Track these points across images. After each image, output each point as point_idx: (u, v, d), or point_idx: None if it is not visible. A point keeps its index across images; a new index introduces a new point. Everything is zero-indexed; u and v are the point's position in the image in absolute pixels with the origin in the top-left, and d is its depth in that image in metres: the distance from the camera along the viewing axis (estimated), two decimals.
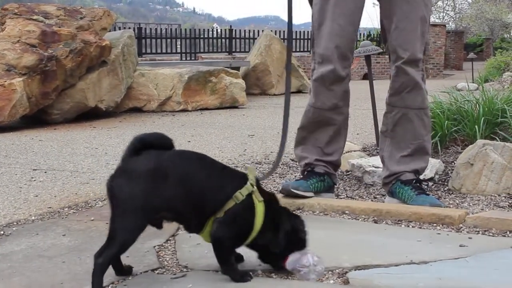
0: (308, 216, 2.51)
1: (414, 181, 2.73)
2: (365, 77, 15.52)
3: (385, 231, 2.33)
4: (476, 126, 3.70)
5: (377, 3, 2.79)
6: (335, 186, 2.98)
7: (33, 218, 2.60)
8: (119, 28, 14.93)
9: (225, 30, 18.36)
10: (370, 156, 3.75)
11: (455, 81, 12.21)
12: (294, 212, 2.11)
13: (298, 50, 17.55)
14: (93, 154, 4.38)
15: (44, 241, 2.24)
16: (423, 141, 2.78)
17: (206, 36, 17.42)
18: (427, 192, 2.75)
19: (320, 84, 2.78)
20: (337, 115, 2.84)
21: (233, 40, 16.83)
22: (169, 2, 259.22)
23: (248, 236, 1.77)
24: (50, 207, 2.79)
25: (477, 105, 3.99)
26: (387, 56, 2.86)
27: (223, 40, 17.66)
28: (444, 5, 30.69)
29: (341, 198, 2.90)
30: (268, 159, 4.03)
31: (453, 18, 31.20)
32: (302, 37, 18.09)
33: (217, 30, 21.25)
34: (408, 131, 2.76)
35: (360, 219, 2.49)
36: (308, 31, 17.48)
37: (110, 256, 1.67)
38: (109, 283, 1.80)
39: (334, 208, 2.60)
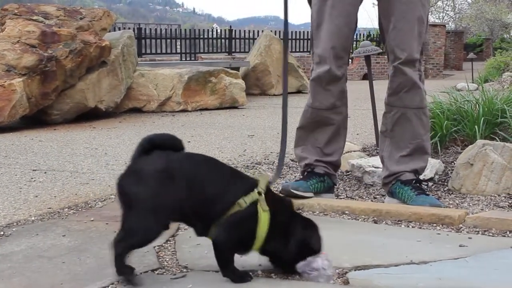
0: (308, 217, 2.50)
1: (414, 181, 2.73)
2: (365, 77, 15.52)
3: (385, 231, 2.33)
4: (476, 126, 3.70)
5: (377, 3, 2.80)
6: (335, 186, 2.98)
7: (33, 218, 2.60)
8: (119, 29, 14.94)
9: (225, 30, 18.36)
10: (370, 156, 3.75)
11: (455, 81, 12.21)
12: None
13: (297, 50, 17.56)
14: (93, 154, 4.38)
15: (44, 241, 2.24)
16: (422, 140, 2.78)
17: (206, 36, 17.42)
18: (427, 192, 2.75)
19: (317, 84, 2.81)
20: (336, 115, 2.85)
21: (233, 41, 16.83)
22: (168, 3, 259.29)
23: (252, 244, 1.75)
24: (50, 208, 2.79)
25: (477, 105, 3.99)
26: (386, 56, 2.87)
27: (223, 40, 17.67)
28: (444, 5, 30.71)
29: (341, 198, 2.90)
30: (268, 159, 4.03)
31: (452, 18, 31.21)
32: (301, 37, 18.09)
33: (217, 30, 21.26)
34: (407, 130, 2.76)
35: (360, 219, 2.49)
36: (307, 31, 17.49)
37: (129, 248, 1.72)
38: (109, 283, 1.80)
39: (334, 208, 2.60)
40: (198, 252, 2.05)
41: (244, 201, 1.73)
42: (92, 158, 4.21)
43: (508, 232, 2.29)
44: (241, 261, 1.92)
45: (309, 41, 16.33)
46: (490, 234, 2.29)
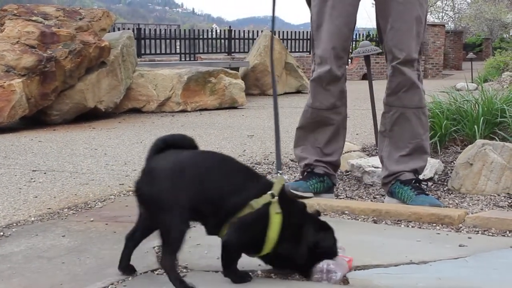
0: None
1: (413, 181, 2.73)
2: (364, 77, 15.52)
3: (384, 231, 2.33)
4: (476, 126, 3.71)
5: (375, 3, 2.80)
6: (335, 186, 2.98)
7: (32, 219, 2.60)
8: (118, 29, 14.93)
9: (224, 30, 18.36)
10: (370, 156, 3.75)
11: (454, 81, 12.21)
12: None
13: (297, 50, 17.56)
14: (93, 155, 4.38)
15: (43, 242, 2.24)
16: (421, 140, 2.78)
17: (205, 36, 17.42)
18: (427, 192, 2.75)
19: (317, 84, 2.81)
20: (335, 115, 2.86)
21: (232, 41, 16.83)
22: (168, 3, 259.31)
23: (262, 247, 1.74)
24: (49, 208, 2.79)
25: (477, 105, 3.99)
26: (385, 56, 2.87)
27: (222, 40, 17.66)
28: (443, 5, 30.71)
29: (340, 198, 2.90)
30: (267, 159, 4.03)
31: (452, 18, 31.22)
32: (301, 37, 18.09)
33: (216, 30, 21.26)
34: (406, 130, 2.76)
35: (359, 219, 2.49)
36: (307, 31, 17.49)
37: (173, 256, 1.69)
38: (109, 283, 1.80)
39: (334, 208, 2.60)
40: (198, 252, 2.05)
41: (257, 203, 1.71)
42: (91, 158, 4.21)
43: (507, 232, 2.29)
44: (241, 261, 1.92)
45: (308, 41, 16.32)
46: (490, 234, 2.29)
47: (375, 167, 3.14)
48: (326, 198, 2.78)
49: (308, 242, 1.75)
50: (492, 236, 2.27)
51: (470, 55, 15.17)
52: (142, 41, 15.34)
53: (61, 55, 6.14)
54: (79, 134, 5.60)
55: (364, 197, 2.94)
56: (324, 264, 1.76)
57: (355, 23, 2.82)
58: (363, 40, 13.99)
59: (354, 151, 3.95)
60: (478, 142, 3.04)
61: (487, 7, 25.25)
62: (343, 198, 2.92)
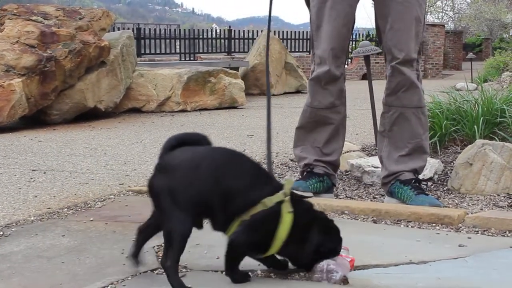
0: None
1: (413, 181, 2.73)
2: (364, 77, 15.52)
3: (384, 231, 2.33)
4: (475, 126, 3.71)
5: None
6: (335, 186, 2.98)
7: (32, 218, 2.60)
8: (118, 29, 14.94)
9: (224, 30, 18.37)
10: (369, 156, 3.75)
11: (454, 81, 12.22)
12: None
13: (296, 50, 17.56)
14: (92, 154, 4.38)
15: (43, 241, 2.24)
16: (421, 140, 2.78)
17: (205, 36, 17.43)
18: (426, 192, 2.76)
19: (316, 83, 2.82)
20: (334, 114, 2.86)
21: (232, 41, 16.84)
22: (168, 3, 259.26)
23: (269, 246, 1.73)
24: (49, 208, 2.79)
25: (476, 105, 3.99)
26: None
27: (222, 40, 17.67)
28: (443, 5, 30.73)
29: (340, 198, 2.90)
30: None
31: (452, 18, 31.23)
32: (300, 37, 18.09)
33: (216, 30, 21.27)
34: (405, 130, 2.77)
35: (359, 219, 2.49)
36: (306, 31, 17.50)
37: (176, 256, 1.67)
38: (109, 283, 1.80)
39: (333, 208, 2.60)
40: (198, 252, 2.05)
41: (270, 201, 1.70)
42: (91, 158, 4.21)
43: (507, 232, 2.29)
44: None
45: (308, 41, 16.32)
46: (490, 234, 2.29)
47: (374, 167, 3.14)
48: (326, 198, 2.78)
49: (315, 241, 1.74)
50: (492, 236, 2.27)
51: (470, 55, 15.17)
52: (142, 41, 15.35)
53: (61, 54, 6.14)
54: (79, 133, 5.60)
55: (363, 197, 2.94)
56: (324, 264, 1.76)
57: (354, 23, 2.83)
58: (363, 40, 13.99)
59: (353, 151, 3.95)
60: (478, 142, 3.04)
61: (487, 7, 25.26)
62: (343, 198, 2.92)
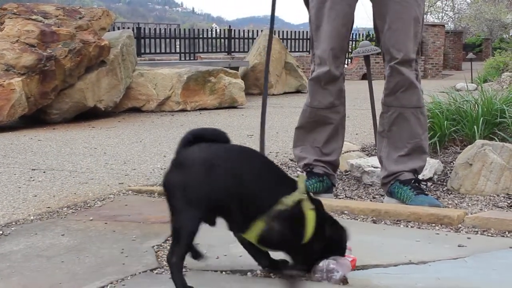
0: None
1: (412, 181, 2.73)
2: (364, 77, 15.52)
3: (384, 231, 2.33)
4: (475, 126, 3.71)
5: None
6: (334, 187, 2.98)
7: (32, 218, 2.60)
8: (118, 28, 14.94)
9: (224, 30, 18.38)
10: (369, 156, 3.75)
11: (454, 81, 12.22)
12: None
13: (296, 50, 17.57)
14: (92, 154, 4.38)
15: (43, 241, 2.24)
16: (420, 140, 2.78)
17: (205, 36, 17.44)
18: (426, 192, 2.76)
19: (315, 83, 2.83)
20: (334, 114, 2.86)
21: (232, 40, 16.85)
22: (168, 2, 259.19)
23: (297, 243, 1.72)
24: (49, 207, 2.79)
25: (476, 105, 3.99)
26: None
27: (222, 40, 17.69)
28: (443, 5, 30.75)
29: (340, 198, 2.90)
30: None
31: (452, 18, 31.24)
32: (300, 37, 18.10)
33: (216, 30, 21.28)
34: (404, 130, 2.76)
35: (359, 219, 2.49)
36: (306, 31, 17.49)
37: (182, 253, 1.64)
38: (108, 282, 1.80)
39: (333, 208, 2.60)
40: None
41: (289, 200, 1.69)
42: (91, 157, 4.21)
43: (507, 232, 2.29)
44: (240, 261, 1.93)
45: (308, 41, 16.35)
46: (489, 234, 2.29)
47: (374, 167, 3.14)
48: (326, 198, 2.78)
49: (329, 239, 1.75)
50: (492, 236, 2.27)
51: (470, 55, 15.18)
52: (142, 40, 15.35)
53: (61, 54, 6.14)
54: (78, 133, 5.60)
55: (363, 197, 2.94)
56: (324, 264, 1.76)
57: (353, 23, 2.83)
58: (363, 40, 13.99)
59: (353, 151, 3.95)
60: (478, 143, 3.04)
61: (487, 8, 25.27)
62: (343, 198, 2.92)
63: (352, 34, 19.34)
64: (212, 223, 1.71)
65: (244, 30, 18.04)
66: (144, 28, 16.20)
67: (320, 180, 2.84)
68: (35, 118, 6.25)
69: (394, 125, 2.78)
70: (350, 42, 18.43)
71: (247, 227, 1.69)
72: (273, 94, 10.26)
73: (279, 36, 15.67)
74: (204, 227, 1.79)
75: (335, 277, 1.75)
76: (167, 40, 16.47)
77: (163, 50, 16.05)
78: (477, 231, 2.31)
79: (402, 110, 2.75)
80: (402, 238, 2.23)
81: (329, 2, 2.74)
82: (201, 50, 16.97)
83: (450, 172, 3.16)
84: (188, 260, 1.97)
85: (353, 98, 8.75)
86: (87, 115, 6.66)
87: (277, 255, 1.81)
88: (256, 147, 4.57)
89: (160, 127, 5.99)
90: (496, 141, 3.32)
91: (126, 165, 3.88)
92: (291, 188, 1.72)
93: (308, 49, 17.08)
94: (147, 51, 15.80)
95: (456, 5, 31.38)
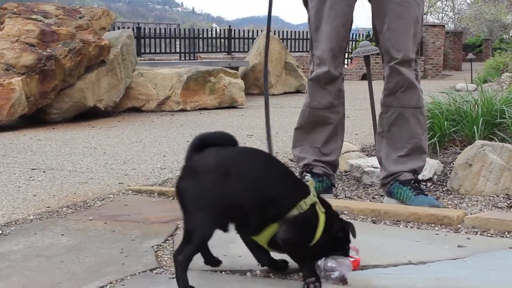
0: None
1: (412, 181, 2.73)
2: (364, 77, 15.53)
3: (383, 231, 2.33)
4: (475, 127, 3.71)
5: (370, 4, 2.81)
6: (334, 187, 2.98)
7: (31, 217, 2.60)
8: (118, 28, 14.94)
9: (224, 30, 18.39)
10: (369, 157, 3.75)
11: (454, 82, 12.22)
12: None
13: (296, 50, 17.58)
14: (92, 153, 4.38)
15: (42, 240, 2.24)
16: (420, 140, 2.78)
17: (205, 36, 17.44)
18: (426, 193, 2.75)
19: (314, 83, 2.83)
20: (333, 114, 2.86)
21: (232, 40, 16.85)
22: (168, 2, 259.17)
23: (308, 245, 1.73)
24: (48, 207, 2.79)
25: (476, 105, 3.99)
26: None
27: (222, 40, 17.68)
28: (443, 5, 30.75)
29: (339, 199, 2.90)
30: None
31: (452, 18, 31.25)
32: (300, 37, 18.09)
33: (216, 30, 21.28)
34: (404, 130, 2.76)
35: (358, 220, 2.49)
36: (306, 31, 17.47)
37: (189, 254, 1.64)
38: (108, 282, 1.80)
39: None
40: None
41: (305, 203, 1.69)
42: (91, 157, 4.21)
43: (506, 233, 2.29)
44: (240, 261, 1.93)
45: (308, 41, 16.39)
46: (489, 234, 2.29)
47: (374, 167, 3.14)
48: (325, 199, 2.78)
49: (333, 239, 1.76)
50: (491, 237, 2.27)
51: (470, 55, 15.19)
52: (142, 40, 15.35)
53: (61, 53, 6.14)
54: (78, 132, 5.60)
55: (363, 197, 2.94)
56: (323, 262, 1.76)
57: (352, 23, 2.83)
58: (363, 40, 14.00)
59: (353, 151, 3.95)
60: (477, 143, 3.04)
61: (487, 8, 25.28)
62: (342, 198, 2.92)
63: (352, 34, 19.42)
64: (225, 229, 1.70)
65: (244, 30, 18.04)
66: (144, 28, 16.20)
67: (320, 180, 2.84)
68: (35, 118, 6.25)
69: (394, 125, 2.78)
70: (350, 42, 18.45)
71: (259, 230, 1.70)
72: (273, 94, 10.26)
73: (279, 36, 15.66)
74: None
75: (333, 276, 1.75)
76: (167, 40, 16.47)
77: (163, 50, 16.05)
78: (477, 232, 2.31)
79: (402, 110, 2.75)
80: (401, 238, 2.23)
81: (329, 2, 2.74)
82: (201, 50, 16.97)
83: (450, 173, 3.16)
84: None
85: (353, 98, 8.75)
86: (87, 114, 6.66)
87: (277, 255, 1.81)
88: (256, 147, 4.57)
89: (160, 127, 5.99)
90: (496, 141, 3.32)
91: (126, 165, 3.88)
92: (303, 190, 1.73)
93: (308, 49, 17.09)
94: (147, 51, 15.80)
95: (456, 5, 31.41)
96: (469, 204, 2.75)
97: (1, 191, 3.13)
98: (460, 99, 4.18)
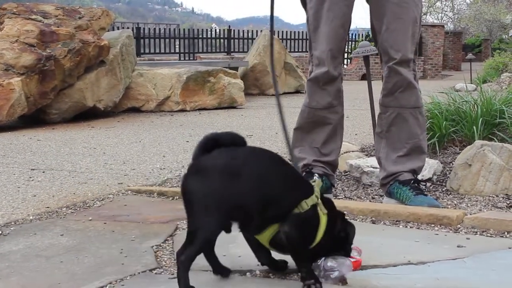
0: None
1: (412, 181, 2.73)
2: (363, 77, 15.52)
3: (383, 231, 2.33)
4: (474, 127, 3.71)
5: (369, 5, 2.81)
6: (334, 187, 2.98)
7: (31, 217, 2.60)
8: (118, 28, 14.93)
9: (224, 30, 18.38)
10: (368, 157, 3.75)
11: (453, 82, 12.22)
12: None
13: (296, 50, 17.57)
14: (91, 153, 4.37)
15: (42, 241, 2.24)
16: (419, 140, 2.78)
17: (204, 36, 17.44)
18: (425, 193, 2.75)
19: (314, 84, 2.83)
20: (332, 114, 2.86)
21: (232, 40, 16.84)
22: (167, 2, 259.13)
23: (308, 246, 1.73)
24: (48, 207, 2.79)
25: (475, 106, 3.99)
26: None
27: (222, 40, 17.68)
28: (443, 5, 30.76)
29: (339, 199, 2.90)
30: None
31: (451, 19, 31.26)
32: (300, 37, 18.10)
33: (215, 30, 21.27)
34: (403, 130, 2.76)
35: (358, 220, 2.49)
36: (306, 32, 17.49)
37: (191, 254, 1.63)
38: (107, 283, 1.80)
39: None
40: None
41: (306, 204, 1.69)
42: (90, 157, 4.21)
43: (506, 233, 2.29)
44: (240, 261, 1.93)
45: (307, 41, 16.43)
46: (488, 234, 2.29)
47: (373, 168, 3.14)
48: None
49: (334, 241, 1.76)
50: (491, 237, 2.27)
51: (469, 56, 15.19)
52: (142, 40, 15.34)
53: (60, 54, 6.14)
54: (78, 133, 5.60)
55: (362, 197, 2.94)
56: (322, 262, 1.76)
57: (350, 23, 2.83)
58: (362, 40, 14.00)
59: (352, 151, 3.94)
60: (477, 143, 3.04)
61: (487, 8, 25.29)
62: (342, 198, 2.92)
63: (352, 34, 19.43)
64: (228, 230, 1.70)
65: (243, 30, 18.04)
66: (144, 28, 16.19)
67: (321, 185, 2.83)
68: (34, 118, 6.25)
69: (393, 125, 2.78)
70: (350, 42, 18.46)
71: (262, 229, 1.70)
72: (273, 95, 10.25)
73: (278, 36, 15.67)
74: None
75: (332, 276, 1.75)
76: (167, 40, 16.47)
77: (162, 50, 16.04)
78: (476, 232, 2.31)
79: (401, 110, 2.75)
80: (401, 238, 2.23)
81: (328, 3, 2.74)
82: (200, 50, 16.96)
83: (449, 173, 3.16)
84: None
85: (353, 98, 8.75)
86: (87, 115, 6.66)
87: (277, 255, 1.81)
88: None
89: (159, 127, 5.99)
90: (495, 141, 3.32)
91: (126, 165, 3.88)
92: (306, 191, 1.74)
93: (307, 50, 17.10)
94: (147, 51, 15.80)
95: (456, 5, 31.41)
96: (468, 204, 2.75)
97: (0, 192, 3.13)
98: (460, 99, 4.18)
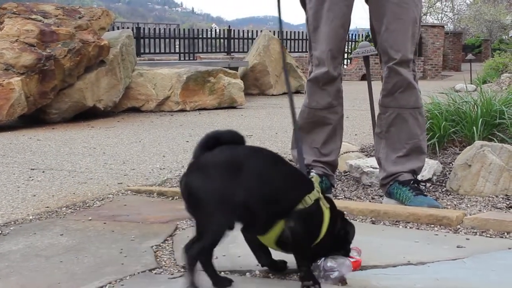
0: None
1: (412, 181, 2.73)
2: (363, 77, 15.52)
3: (383, 232, 2.33)
4: (474, 127, 3.71)
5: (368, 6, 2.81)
6: (333, 187, 2.98)
7: (31, 217, 2.60)
8: (118, 28, 14.93)
9: (224, 30, 18.38)
10: (368, 157, 3.75)
11: (453, 82, 12.23)
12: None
13: (296, 50, 17.58)
14: (91, 153, 4.37)
15: (41, 240, 2.24)
16: (419, 140, 2.78)
17: (204, 36, 17.44)
18: (425, 193, 2.75)
19: (313, 84, 2.83)
20: (332, 115, 2.86)
21: (232, 40, 16.85)
22: (167, 2, 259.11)
23: (313, 243, 1.73)
24: (48, 207, 2.79)
25: (475, 106, 3.99)
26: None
27: (222, 40, 17.69)
28: (443, 6, 30.77)
29: (339, 199, 2.90)
30: None
31: (451, 19, 31.27)
32: (300, 37, 18.09)
33: (215, 30, 21.27)
34: (402, 131, 2.76)
35: (358, 220, 2.49)
36: (306, 32, 17.49)
37: (198, 251, 1.63)
38: (107, 282, 1.80)
39: None
40: None
41: (310, 198, 1.70)
42: (90, 157, 4.21)
43: (505, 233, 2.29)
44: (239, 261, 1.93)
45: (307, 41, 16.43)
46: (488, 235, 2.29)
47: (373, 168, 3.14)
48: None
49: (335, 238, 1.76)
50: (490, 237, 2.27)
51: (469, 56, 15.19)
52: (142, 40, 15.35)
53: (60, 53, 6.14)
54: (77, 133, 5.60)
55: (362, 197, 2.95)
56: (322, 262, 1.76)
57: (350, 23, 2.83)
58: (362, 40, 13.99)
59: (352, 151, 3.94)
60: (477, 144, 3.04)
61: (487, 9, 25.29)
62: (342, 198, 2.92)
63: (352, 34, 19.42)
64: (231, 227, 1.69)
65: (243, 30, 18.05)
66: (144, 28, 16.20)
67: (319, 180, 2.83)
68: (34, 118, 6.25)
69: (392, 126, 2.78)
70: (350, 42, 18.46)
71: (267, 229, 1.70)
72: (273, 95, 10.27)
73: (278, 36, 15.67)
74: None
75: (332, 276, 1.75)
76: (167, 40, 16.48)
77: (162, 50, 16.05)
78: (476, 232, 2.31)
79: (400, 110, 2.75)
80: (401, 238, 2.23)
81: (327, 3, 2.74)
82: (200, 50, 16.97)
83: (449, 173, 3.16)
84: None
85: (353, 98, 8.75)
86: (86, 115, 6.66)
87: (277, 255, 1.81)
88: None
89: (159, 127, 5.99)
90: (495, 142, 3.32)
91: (125, 165, 3.88)
92: (308, 186, 1.74)
93: (307, 50, 17.12)
94: (147, 51, 15.80)
95: (456, 6, 31.43)
96: (468, 205, 2.75)
97: (0, 191, 3.13)
98: (460, 99, 4.18)
